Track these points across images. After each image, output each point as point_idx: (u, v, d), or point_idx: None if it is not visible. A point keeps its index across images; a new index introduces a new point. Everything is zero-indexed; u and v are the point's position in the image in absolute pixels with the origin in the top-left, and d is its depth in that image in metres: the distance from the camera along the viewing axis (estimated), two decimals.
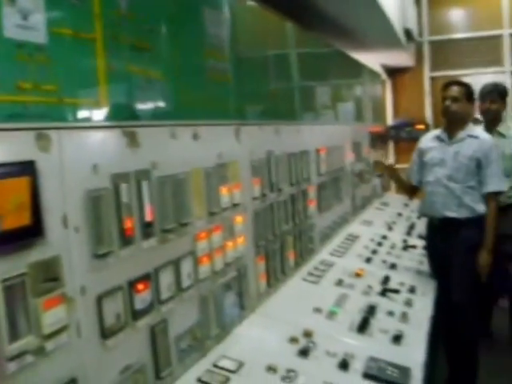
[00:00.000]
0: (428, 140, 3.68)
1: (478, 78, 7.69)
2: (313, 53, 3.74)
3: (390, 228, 4.62)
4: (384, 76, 7.53)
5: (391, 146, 7.83)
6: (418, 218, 5.20)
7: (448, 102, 3.51)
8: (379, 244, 4.04)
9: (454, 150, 3.51)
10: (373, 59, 6.52)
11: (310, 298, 2.77)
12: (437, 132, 3.68)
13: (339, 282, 3.07)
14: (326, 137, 3.69)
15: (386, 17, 4.36)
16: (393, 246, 4.07)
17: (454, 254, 3.47)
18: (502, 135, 4.23)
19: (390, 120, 7.90)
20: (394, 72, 7.88)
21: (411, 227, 4.82)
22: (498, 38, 7.69)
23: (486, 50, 7.76)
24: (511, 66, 7.54)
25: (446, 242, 3.50)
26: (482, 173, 3.47)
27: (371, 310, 2.76)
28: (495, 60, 7.72)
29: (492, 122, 4.32)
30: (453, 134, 3.54)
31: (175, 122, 1.85)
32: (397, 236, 4.42)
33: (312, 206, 3.28)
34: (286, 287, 2.81)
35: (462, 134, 3.53)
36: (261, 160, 2.53)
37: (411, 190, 3.89)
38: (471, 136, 3.53)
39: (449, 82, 3.62)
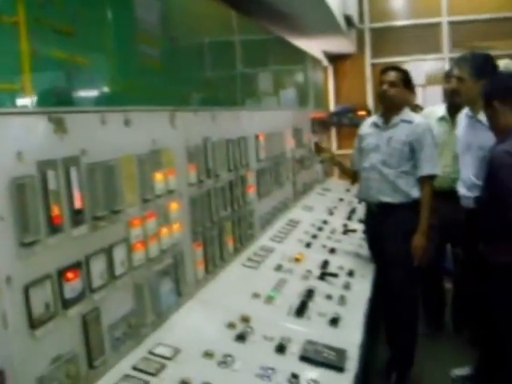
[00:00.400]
0: (366, 126, 3.73)
1: (419, 65, 7.88)
2: (252, 39, 3.75)
3: (330, 213, 4.69)
4: (326, 63, 7.60)
5: (333, 132, 7.93)
6: (359, 202, 5.31)
7: (385, 87, 3.54)
8: (319, 229, 4.10)
9: (388, 136, 3.56)
10: (314, 46, 6.57)
11: (249, 284, 2.79)
12: (374, 118, 3.73)
13: (278, 268, 3.11)
14: (265, 123, 3.70)
15: (326, 3, 4.40)
16: (333, 231, 4.15)
17: (390, 238, 3.53)
18: None
19: (332, 106, 8.00)
20: (335, 59, 7.97)
21: (352, 212, 4.90)
22: (437, 25, 7.86)
23: (426, 38, 7.92)
24: (449, 53, 7.70)
25: (382, 226, 3.57)
26: (416, 157, 3.51)
27: (309, 294, 2.81)
28: (435, 47, 7.90)
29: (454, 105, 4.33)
30: (388, 119, 3.59)
31: (105, 108, 1.83)
32: (337, 221, 4.50)
33: (251, 192, 3.30)
34: (224, 273, 2.83)
35: (395, 119, 3.58)
36: (197, 146, 2.53)
37: (353, 176, 3.95)
38: (405, 121, 3.57)
39: (386, 67, 3.67)
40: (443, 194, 3.76)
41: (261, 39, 4.04)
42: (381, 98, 3.63)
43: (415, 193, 3.50)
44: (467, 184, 3.42)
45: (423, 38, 7.92)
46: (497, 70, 3.35)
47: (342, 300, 2.85)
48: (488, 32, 7.48)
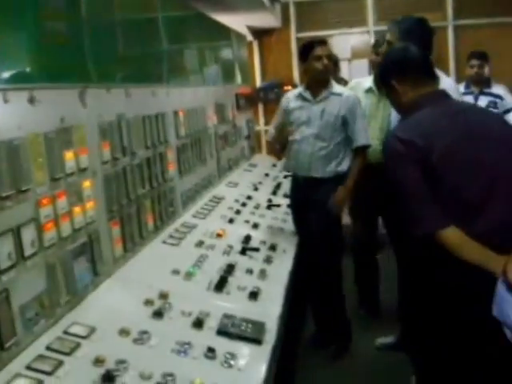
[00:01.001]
0: (291, 100, 3.76)
1: (344, 39, 7.99)
2: (172, 15, 3.74)
3: (255, 188, 4.76)
4: (251, 38, 7.60)
5: (260, 107, 7.97)
6: (285, 177, 5.40)
7: (325, 61, 3.59)
8: (243, 204, 4.16)
9: (320, 109, 3.62)
10: (238, 21, 6.55)
11: (169, 261, 2.81)
12: (297, 91, 3.76)
13: (200, 244, 3.14)
14: (185, 99, 3.70)
15: None
16: (257, 206, 4.21)
17: (316, 210, 3.64)
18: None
19: (258, 82, 8.03)
20: (261, 34, 7.97)
21: (277, 187, 4.99)
22: None
23: (351, 11, 8.00)
24: (374, 26, 7.82)
25: (309, 199, 3.66)
26: (350, 129, 3.62)
27: (230, 269, 2.87)
28: (360, 20, 7.99)
29: None
30: (316, 92, 3.64)
31: (7, 86, 1.80)
32: (262, 196, 4.57)
33: (171, 169, 3.31)
34: (144, 251, 2.84)
35: (326, 93, 3.65)
36: (110, 123, 2.52)
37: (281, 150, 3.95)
38: (335, 93, 3.66)
39: (314, 41, 3.68)
40: (371, 168, 3.75)
41: (181, 15, 4.02)
42: (322, 72, 3.62)
43: (345, 166, 3.63)
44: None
45: (348, 12, 7.99)
46: (429, 35, 3.28)
47: (263, 274, 2.93)
48: (413, 4, 7.62)
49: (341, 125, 3.61)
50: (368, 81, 4.36)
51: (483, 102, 5.21)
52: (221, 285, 2.66)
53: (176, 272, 2.70)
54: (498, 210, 1.99)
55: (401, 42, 3.19)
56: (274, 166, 5.79)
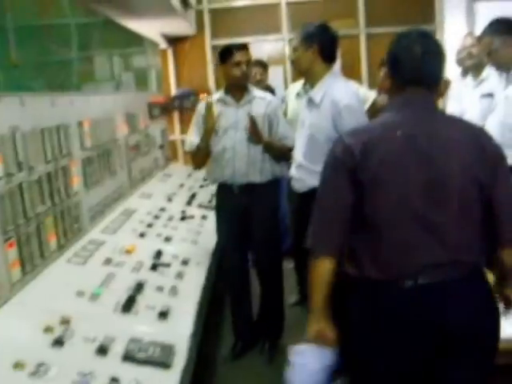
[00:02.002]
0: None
1: (259, 46, 7.96)
2: (75, 21, 3.55)
3: (169, 199, 4.61)
4: (165, 45, 7.45)
5: (176, 116, 7.82)
6: (201, 186, 5.28)
7: (245, 67, 3.50)
8: (156, 217, 4.00)
9: (246, 112, 3.54)
10: (151, 28, 6.38)
11: (74, 282, 2.63)
12: (216, 97, 3.64)
13: (108, 261, 2.97)
14: (92, 108, 3.52)
15: None
16: (170, 218, 4.07)
17: (259, 218, 3.61)
18: None
19: (173, 90, 7.87)
20: (175, 41, 7.83)
21: (192, 197, 4.86)
22: (276, 6, 7.96)
23: (266, 18, 7.99)
24: (289, 34, 7.84)
25: (247, 208, 3.60)
26: (276, 130, 3.61)
27: (139, 288, 2.72)
28: (274, 28, 7.99)
29: None
30: (238, 96, 3.57)
31: None
32: (176, 207, 4.43)
33: (76, 183, 3.12)
34: (46, 272, 2.64)
35: (249, 96, 3.59)
36: (2, 137, 2.32)
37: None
38: (258, 97, 3.63)
39: (233, 45, 3.57)
40: None
41: (87, 21, 3.84)
42: (243, 78, 3.54)
43: (278, 170, 3.62)
44: (296, 163, 3.37)
45: (263, 19, 7.98)
46: (331, 40, 3.25)
47: (174, 291, 2.80)
48: (326, 12, 7.67)
49: (268, 127, 3.60)
50: (298, 85, 4.36)
51: None
52: (128, 305, 2.51)
53: (81, 293, 2.53)
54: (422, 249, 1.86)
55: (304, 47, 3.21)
56: (190, 175, 5.67)
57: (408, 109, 1.94)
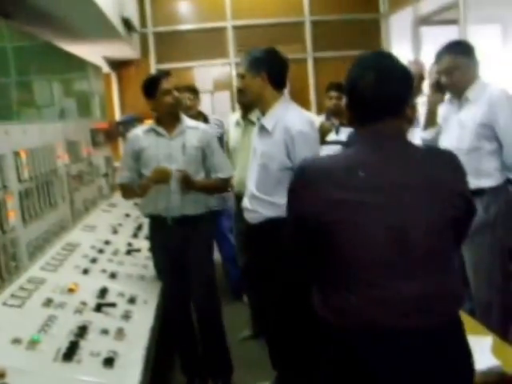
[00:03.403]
0: (141, 138, 3.58)
1: (206, 70, 7.88)
2: (9, 45, 3.37)
3: (115, 231, 4.42)
4: (108, 69, 7.28)
5: (121, 142, 7.62)
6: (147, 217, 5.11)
7: (175, 93, 3.49)
8: (100, 251, 3.80)
9: (180, 143, 3.50)
10: (94, 52, 6.23)
11: (9, 328, 2.42)
12: (146, 128, 3.60)
13: (48, 302, 2.76)
14: (29, 137, 3.31)
15: (95, 4, 4.11)
16: (115, 252, 3.87)
17: (194, 251, 3.57)
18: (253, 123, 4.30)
19: (117, 115, 7.69)
20: (119, 65, 7.68)
21: (139, 228, 4.68)
22: (223, 29, 7.93)
23: (212, 42, 7.95)
24: (235, 58, 7.80)
25: (182, 241, 3.53)
26: (210, 162, 3.56)
27: (82, 332, 2.53)
28: (221, 52, 7.95)
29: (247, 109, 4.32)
30: (170, 127, 3.50)
31: None
32: (122, 240, 4.24)
33: (12, 218, 2.91)
34: None
35: (181, 127, 3.53)
36: None
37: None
38: (191, 127, 3.58)
39: (158, 74, 3.71)
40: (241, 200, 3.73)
41: (22, 45, 3.65)
42: (174, 106, 3.52)
43: (212, 202, 3.56)
44: (248, 194, 3.29)
45: (209, 43, 7.95)
46: (280, 65, 3.20)
47: (120, 334, 2.62)
48: (273, 36, 7.70)
49: (201, 158, 3.55)
50: (237, 113, 4.48)
51: (344, 133, 5.23)
52: (70, 352, 2.32)
53: (17, 341, 2.32)
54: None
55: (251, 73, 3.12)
56: (136, 204, 5.47)
57: (369, 146, 1.80)
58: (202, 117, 5.27)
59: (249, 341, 4.38)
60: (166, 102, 3.43)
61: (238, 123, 4.43)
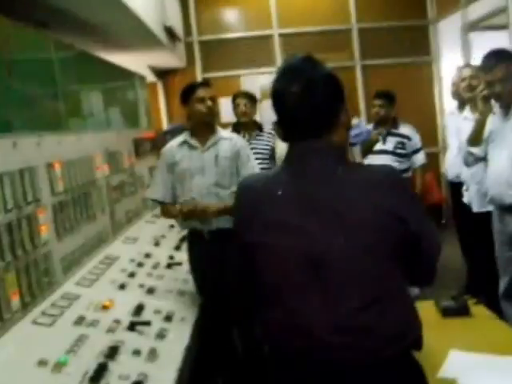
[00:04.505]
0: (175, 151, 3.48)
1: (253, 79, 7.76)
2: (43, 55, 3.32)
3: (157, 243, 4.31)
4: (153, 78, 7.25)
5: None
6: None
7: (209, 103, 3.36)
8: (140, 264, 3.69)
9: (213, 155, 3.39)
10: (138, 61, 6.21)
11: (37, 348, 2.32)
12: (180, 140, 3.49)
13: (80, 321, 2.65)
14: (64, 148, 3.24)
15: (135, 14, 4.04)
16: (156, 266, 3.76)
17: (231, 266, 3.31)
18: None
19: (164, 125, 7.65)
20: (164, 74, 7.64)
21: (182, 240, 4.55)
22: (269, 37, 7.82)
23: (258, 50, 7.85)
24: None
25: (220, 255, 3.32)
26: (240, 174, 3.41)
27: (112, 353, 2.40)
28: (267, 60, 7.83)
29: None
30: (203, 139, 3.39)
31: None
32: (163, 252, 4.13)
33: (45, 232, 2.82)
34: (6, 337, 2.33)
35: (214, 138, 3.43)
36: None
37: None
38: (224, 138, 3.46)
39: (195, 83, 3.57)
40: None
41: (57, 55, 3.59)
42: (208, 114, 3.40)
43: None
44: None
45: (255, 51, 7.86)
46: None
47: (153, 355, 2.48)
48: (320, 44, 7.57)
49: (235, 169, 3.43)
50: None
51: (391, 142, 5.04)
52: (98, 375, 2.20)
53: (43, 363, 2.21)
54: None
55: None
56: None
57: (294, 164, 1.64)
58: (256, 126, 5.15)
59: None
60: (198, 110, 3.34)
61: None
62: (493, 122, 3.56)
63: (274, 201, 1.58)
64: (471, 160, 3.79)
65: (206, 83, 3.50)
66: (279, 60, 7.78)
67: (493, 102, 3.54)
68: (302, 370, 1.57)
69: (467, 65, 4.54)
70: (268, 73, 7.78)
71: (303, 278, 1.55)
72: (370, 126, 5.01)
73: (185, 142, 3.46)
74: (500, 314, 3.37)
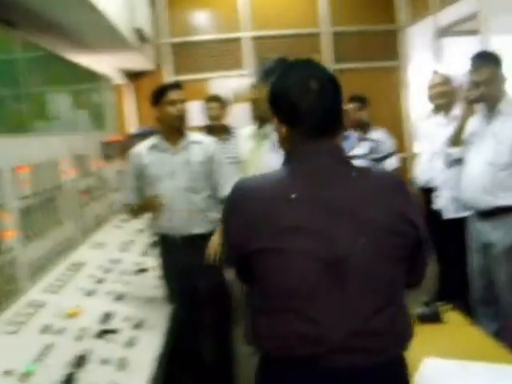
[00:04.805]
0: (144, 154, 3.44)
1: (223, 82, 7.72)
2: (9, 55, 3.24)
3: (125, 249, 4.24)
4: (123, 81, 7.16)
5: None
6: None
7: (180, 106, 3.34)
8: (108, 270, 3.63)
9: (184, 159, 3.35)
10: (107, 63, 6.11)
11: (3, 357, 2.26)
12: (150, 143, 3.45)
13: (46, 329, 2.59)
14: (30, 151, 3.17)
15: (105, 15, 3.97)
16: (124, 272, 3.70)
17: (203, 272, 3.40)
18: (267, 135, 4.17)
19: (133, 128, 7.56)
20: (134, 76, 7.56)
21: (151, 245, 4.49)
22: (241, 40, 7.79)
23: (229, 53, 7.81)
24: (252, 69, 7.65)
25: (192, 260, 3.38)
26: (214, 177, 3.39)
27: (80, 361, 2.35)
28: (238, 63, 7.81)
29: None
30: (174, 142, 3.36)
31: None
32: (132, 258, 4.06)
33: (10, 237, 2.75)
34: None
35: (185, 141, 3.40)
36: None
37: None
38: (195, 141, 3.42)
39: (166, 85, 3.49)
40: None
41: (33, 56, 3.53)
42: (179, 118, 3.37)
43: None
44: None
45: (226, 54, 7.81)
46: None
47: (122, 363, 2.42)
48: (291, 48, 7.56)
49: (207, 173, 3.40)
50: (250, 127, 4.28)
51: (363, 147, 5.06)
52: None
53: (9, 373, 2.15)
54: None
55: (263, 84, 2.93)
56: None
57: (305, 166, 1.60)
58: (227, 130, 5.11)
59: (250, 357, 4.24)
60: (169, 113, 3.31)
61: (251, 136, 4.27)
62: (474, 123, 3.60)
63: (288, 204, 1.52)
64: (448, 161, 3.82)
65: (177, 85, 3.45)
66: (249, 63, 7.74)
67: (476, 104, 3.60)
68: (309, 374, 1.54)
69: (435, 72, 4.57)
70: (237, 76, 7.77)
71: (321, 282, 1.51)
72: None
73: (155, 145, 3.42)
74: (473, 319, 3.40)
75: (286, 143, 1.66)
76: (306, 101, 1.56)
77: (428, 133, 4.56)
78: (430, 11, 6.58)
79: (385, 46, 7.76)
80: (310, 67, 1.62)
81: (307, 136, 1.59)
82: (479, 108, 3.63)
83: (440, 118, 4.45)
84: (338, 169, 1.60)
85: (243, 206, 1.58)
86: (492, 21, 5.08)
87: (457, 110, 4.21)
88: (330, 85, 1.59)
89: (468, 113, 3.62)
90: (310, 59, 1.65)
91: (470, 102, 3.58)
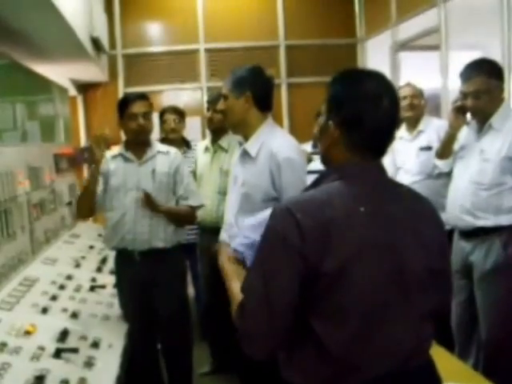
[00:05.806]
0: (109, 162, 3.41)
1: (176, 95, 7.71)
2: None
3: (77, 265, 4.17)
4: (74, 92, 7.08)
5: (86, 169, 7.38)
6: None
7: (142, 120, 3.32)
8: (61, 287, 3.56)
9: (149, 169, 3.35)
10: (60, 73, 6.03)
11: None
12: (115, 152, 3.42)
13: (1, 347, 2.52)
14: None
15: (65, 21, 3.90)
16: (78, 288, 3.64)
17: (161, 289, 3.39)
18: (223, 149, 4.20)
19: (83, 140, 7.46)
20: (86, 88, 7.48)
21: (103, 262, 4.45)
22: (195, 52, 7.79)
23: (183, 65, 7.80)
24: (207, 82, 7.67)
25: (150, 277, 3.37)
26: (179, 189, 3.40)
27: (38, 382, 2.31)
28: (192, 76, 7.80)
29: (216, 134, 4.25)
30: (139, 152, 3.38)
31: None
32: (85, 274, 4.00)
33: None
34: None
35: (151, 151, 3.39)
36: None
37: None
38: (161, 152, 3.42)
39: (129, 96, 3.47)
40: (207, 232, 3.81)
41: None
42: (137, 133, 3.35)
43: (183, 234, 3.46)
44: (226, 227, 3.04)
45: (180, 66, 7.79)
46: (265, 83, 3.03)
47: None
48: (246, 60, 7.52)
49: (173, 185, 3.40)
50: (206, 141, 4.44)
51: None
52: None
53: None
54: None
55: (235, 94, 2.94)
56: (100, 235, 5.24)
57: (367, 181, 1.60)
58: (184, 142, 5.10)
59: (207, 376, 4.26)
60: (130, 127, 3.30)
61: (206, 149, 4.30)
62: (466, 136, 3.48)
63: (357, 219, 1.51)
64: (436, 173, 3.82)
65: (142, 96, 3.41)
66: (204, 76, 7.76)
67: (468, 115, 3.45)
68: None
69: (408, 84, 4.51)
70: (192, 89, 7.77)
71: (390, 300, 1.51)
72: (308, 146, 5.02)
73: (119, 155, 3.38)
74: (450, 340, 3.43)
75: (333, 148, 1.67)
76: (375, 116, 1.56)
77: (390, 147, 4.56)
78: (388, 25, 6.69)
79: (341, 60, 7.83)
80: (384, 81, 1.64)
81: (364, 149, 1.60)
82: (471, 119, 3.49)
83: (403, 132, 4.38)
84: (389, 184, 1.66)
85: (304, 226, 1.47)
86: (452, 36, 5.20)
87: (421, 126, 4.25)
88: (396, 107, 1.62)
89: (457, 123, 3.47)
90: (380, 73, 1.65)
91: (454, 111, 3.44)
